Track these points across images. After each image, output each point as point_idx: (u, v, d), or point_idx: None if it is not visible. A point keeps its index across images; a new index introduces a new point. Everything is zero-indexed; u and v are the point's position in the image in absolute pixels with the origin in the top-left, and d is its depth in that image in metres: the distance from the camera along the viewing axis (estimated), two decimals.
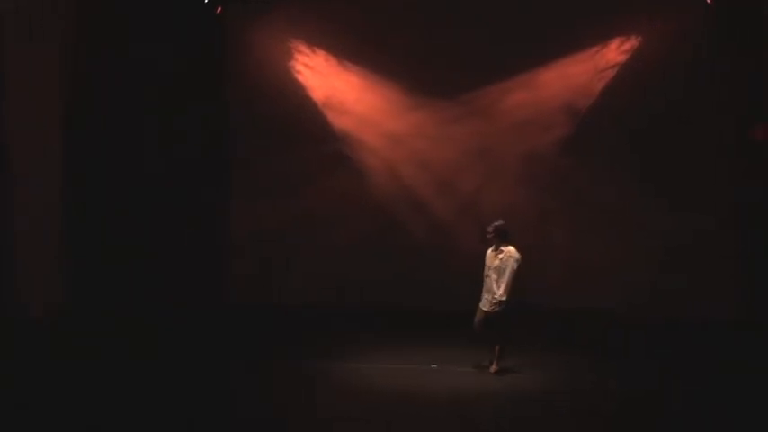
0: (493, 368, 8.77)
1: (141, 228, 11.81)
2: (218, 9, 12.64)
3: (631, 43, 12.35)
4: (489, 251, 8.72)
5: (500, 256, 8.50)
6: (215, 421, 7.32)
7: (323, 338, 10.62)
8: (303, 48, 12.91)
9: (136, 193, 11.84)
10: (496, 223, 8.73)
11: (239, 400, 8.03)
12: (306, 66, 12.88)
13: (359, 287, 12.31)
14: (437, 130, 12.76)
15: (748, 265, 11.83)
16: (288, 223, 12.70)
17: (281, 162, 12.71)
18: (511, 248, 8.58)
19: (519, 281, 8.80)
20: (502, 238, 8.64)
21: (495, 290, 8.44)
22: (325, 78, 12.80)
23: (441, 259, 11.98)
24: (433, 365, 9.03)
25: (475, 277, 9.48)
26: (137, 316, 11.03)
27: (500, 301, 8.46)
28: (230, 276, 12.76)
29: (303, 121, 12.74)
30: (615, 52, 12.40)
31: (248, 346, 10.29)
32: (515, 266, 8.49)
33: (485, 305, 8.64)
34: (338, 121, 12.90)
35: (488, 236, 8.74)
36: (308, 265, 12.71)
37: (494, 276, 8.49)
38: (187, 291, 11.92)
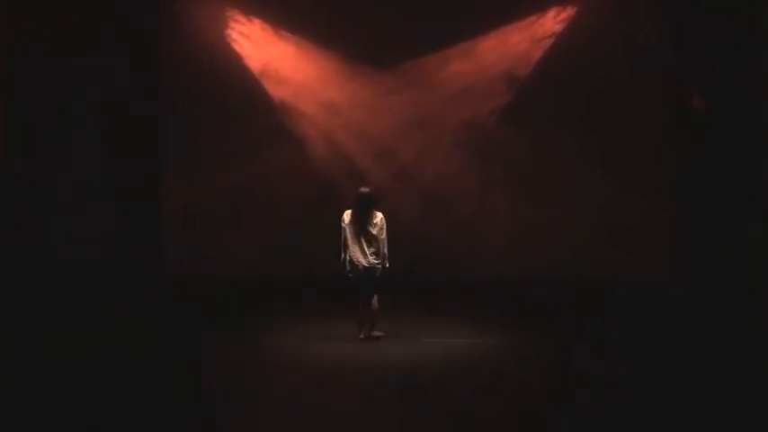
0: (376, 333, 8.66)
1: (76, 202, 11.63)
2: None
3: (568, 13, 12.30)
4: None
5: (375, 220, 8.40)
6: (151, 398, 7.04)
7: (261, 312, 10.55)
8: (239, 16, 12.66)
9: (67, 167, 11.65)
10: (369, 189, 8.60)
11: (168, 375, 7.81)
12: (242, 35, 12.63)
13: (300, 259, 12.12)
14: (376, 99, 12.63)
15: (686, 237, 11.84)
16: (225, 196, 12.50)
17: (216, 134, 12.47)
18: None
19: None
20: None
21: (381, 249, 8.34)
22: (261, 47, 12.58)
23: None
24: (378, 333, 8.85)
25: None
26: (75, 290, 10.83)
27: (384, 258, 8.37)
28: (165, 250, 12.57)
29: (239, 91, 12.51)
30: (552, 21, 12.34)
31: (182, 319, 10.15)
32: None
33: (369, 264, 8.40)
34: (275, 91, 12.69)
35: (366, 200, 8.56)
36: (246, 238, 12.51)
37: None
38: (123, 265, 11.76)
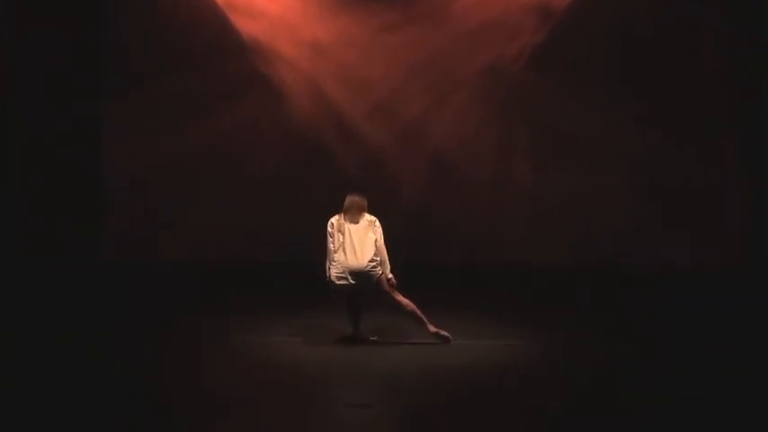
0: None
1: None
2: None
3: None
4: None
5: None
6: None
7: (229, 305, 9.88)
8: None
9: None
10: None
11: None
12: None
13: (278, 239, 11.53)
14: (371, 38, 11.92)
15: (754, 205, 11.41)
16: (183, 161, 11.78)
17: (172, 82, 11.72)
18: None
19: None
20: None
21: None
22: None
23: (378, 202, 10.43)
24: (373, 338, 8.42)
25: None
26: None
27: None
28: (106, 229, 11.91)
29: (201, 28, 11.77)
30: None
31: (128, 310, 9.61)
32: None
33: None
34: (246, 28, 11.88)
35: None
36: (210, 213, 11.82)
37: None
38: (56, 246, 11.09)
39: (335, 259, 8.24)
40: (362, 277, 8.22)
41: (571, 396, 6.67)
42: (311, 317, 9.15)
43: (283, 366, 7.54)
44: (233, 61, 11.86)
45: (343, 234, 8.36)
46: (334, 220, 8.44)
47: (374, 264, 8.24)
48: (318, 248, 8.61)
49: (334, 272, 8.20)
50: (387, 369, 7.43)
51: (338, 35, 11.90)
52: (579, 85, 11.58)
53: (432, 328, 8.18)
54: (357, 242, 8.33)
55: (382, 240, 8.29)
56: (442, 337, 8.14)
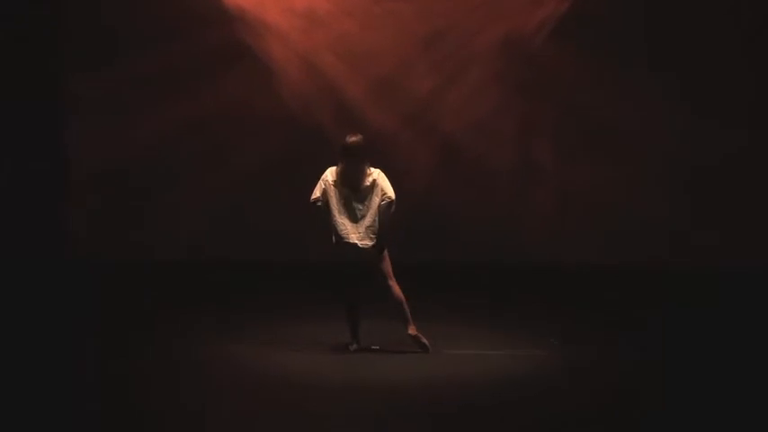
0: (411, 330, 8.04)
1: None
2: None
3: None
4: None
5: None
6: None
7: (206, 310, 9.52)
8: None
9: None
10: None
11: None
12: None
13: (264, 236, 11.15)
14: (373, 5, 11.49)
15: None
16: (158, 147, 11.35)
17: (145, 61, 11.22)
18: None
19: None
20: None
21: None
22: None
23: None
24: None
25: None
26: None
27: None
28: (70, 224, 11.42)
29: None
30: None
31: (92, 320, 9.24)
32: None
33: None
34: None
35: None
36: (188, 206, 11.39)
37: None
38: (14, 245, 10.83)
39: (333, 225, 7.90)
40: (360, 252, 7.87)
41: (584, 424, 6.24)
42: (301, 321, 8.98)
43: (270, 377, 7.37)
44: (215, 33, 11.35)
45: (339, 193, 7.89)
46: (329, 173, 7.94)
47: (375, 238, 7.86)
48: (313, 247, 8.42)
49: (333, 241, 7.91)
50: (386, 382, 7.23)
51: (335, 3, 11.55)
52: (610, 60, 11.11)
53: (412, 331, 7.92)
54: (356, 205, 7.90)
55: (390, 199, 7.78)
56: (421, 344, 7.86)
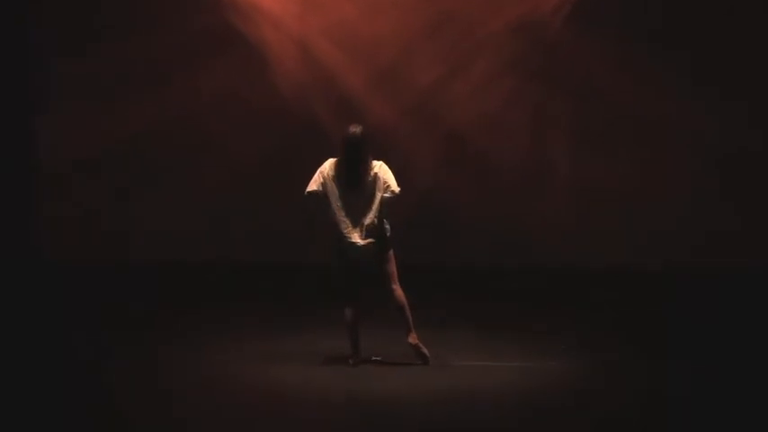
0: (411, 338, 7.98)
1: None
2: None
3: None
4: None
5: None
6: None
7: (190, 317, 9.31)
8: None
9: None
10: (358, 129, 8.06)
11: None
12: None
13: (256, 237, 10.96)
14: None
15: None
16: (138, 141, 11.10)
17: (128, 46, 10.92)
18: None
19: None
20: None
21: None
22: None
23: None
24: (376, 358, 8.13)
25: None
26: None
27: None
28: (42, 224, 11.19)
29: None
30: None
31: (67, 327, 9.02)
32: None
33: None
34: None
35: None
36: (171, 205, 11.06)
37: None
38: None
39: (335, 221, 7.79)
40: (363, 251, 7.77)
41: None
42: (299, 330, 8.82)
43: (267, 390, 7.22)
44: (203, 18, 11.01)
45: (339, 186, 7.71)
46: (327, 165, 7.72)
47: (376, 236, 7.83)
48: (310, 248, 8.46)
49: (335, 239, 7.82)
50: (385, 396, 7.10)
51: None
52: (632, 47, 10.72)
53: (413, 339, 7.78)
54: (357, 200, 7.73)
55: (393, 191, 7.60)
56: (421, 354, 7.72)
